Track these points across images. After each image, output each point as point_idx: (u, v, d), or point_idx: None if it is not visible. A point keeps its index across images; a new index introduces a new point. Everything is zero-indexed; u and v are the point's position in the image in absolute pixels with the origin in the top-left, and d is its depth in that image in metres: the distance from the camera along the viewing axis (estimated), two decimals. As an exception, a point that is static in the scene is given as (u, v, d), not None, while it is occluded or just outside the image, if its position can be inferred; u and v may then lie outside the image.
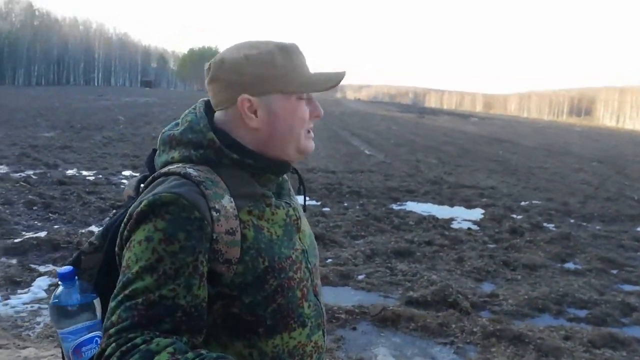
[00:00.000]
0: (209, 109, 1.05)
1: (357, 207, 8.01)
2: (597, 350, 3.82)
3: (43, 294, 4.15)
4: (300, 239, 1.06)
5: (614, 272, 5.80)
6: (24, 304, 3.99)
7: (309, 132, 1.06)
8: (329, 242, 6.02)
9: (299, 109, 1.02)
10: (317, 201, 8.23)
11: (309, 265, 1.07)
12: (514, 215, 8.25)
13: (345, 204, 8.18)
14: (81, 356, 0.94)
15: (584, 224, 8.15)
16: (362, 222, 6.95)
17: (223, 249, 0.91)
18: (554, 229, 7.58)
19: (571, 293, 4.91)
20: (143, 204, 0.88)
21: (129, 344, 0.78)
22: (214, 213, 0.90)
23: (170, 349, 0.78)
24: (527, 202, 9.38)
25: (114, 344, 0.79)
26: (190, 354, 0.79)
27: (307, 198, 1.22)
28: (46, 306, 3.94)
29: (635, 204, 9.91)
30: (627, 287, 5.31)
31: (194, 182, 0.91)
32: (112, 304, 0.84)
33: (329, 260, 5.40)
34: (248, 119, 0.99)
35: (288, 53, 1.01)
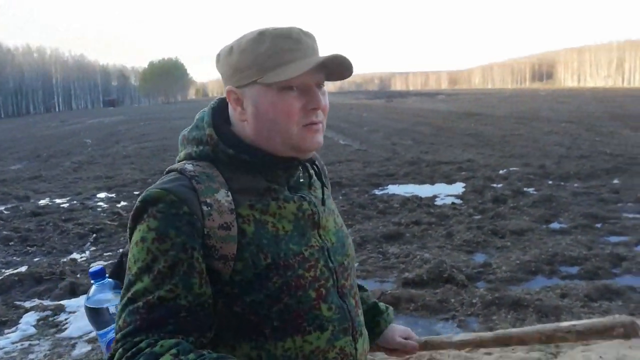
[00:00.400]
0: (226, 105, 1.03)
1: (340, 197, 7.97)
2: (594, 303, 3.89)
3: (32, 330, 4.00)
4: (320, 235, 1.00)
5: (599, 226, 5.91)
6: (12, 343, 3.84)
7: (310, 125, 0.94)
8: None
9: (282, 100, 0.92)
10: (299, 197, 8.18)
11: (331, 264, 0.99)
12: (495, 185, 8.34)
13: (328, 196, 8.14)
14: None
15: (563, 183, 8.29)
16: (348, 211, 6.93)
17: (217, 245, 0.88)
18: (534, 192, 7.69)
19: (561, 252, 4.97)
20: (138, 200, 0.90)
21: (133, 349, 0.79)
22: (204, 207, 0.88)
23: (173, 351, 0.78)
24: (505, 170, 9.49)
25: (120, 349, 0.80)
26: (192, 355, 0.78)
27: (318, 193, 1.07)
28: (37, 342, 3.82)
29: (608, 158, 10.12)
30: (614, 239, 5.42)
31: (186, 176, 0.91)
32: (118, 307, 0.86)
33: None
34: (236, 111, 0.96)
35: (268, 39, 0.91)
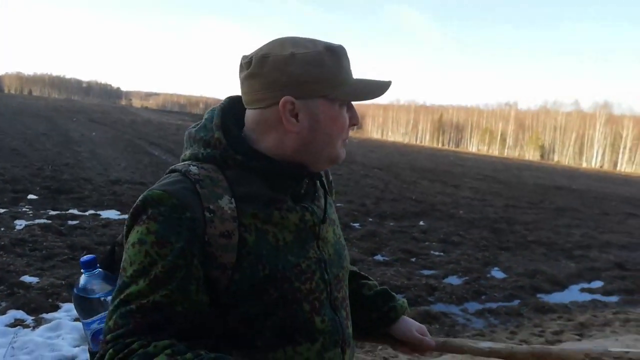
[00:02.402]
0: (233, 106, 0.99)
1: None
2: (419, 326, 4.49)
3: None
4: (318, 246, 0.98)
5: (413, 260, 6.82)
6: None
7: (345, 140, 0.99)
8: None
9: (341, 116, 0.95)
10: (131, 215, 7.64)
11: (327, 277, 0.97)
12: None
13: (164, 216, 7.78)
14: (99, 344, 0.96)
15: (381, 221, 9.35)
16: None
17: (216, 253, 0.86)
18: (360, 227, 8.51)
19: (387, 281, 5.62)
20: (138, 199, 0.86)
21: (125, 350, 0.77)
22: (207, 214, 0.86)
23: (168, 351, 0.76)
24: (333, 206, 10.27)
25: (111, 350, 0.78)
26: (189, 354, 0.77)
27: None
28: None
29: (414, 203, 11.75)
30: (426, 272, 6.33)
31: (190, 180, 0.88)
32: (110, 307, 0.83)
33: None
34: (288, 122, 0.91)
35: (336, 55, 0.93)
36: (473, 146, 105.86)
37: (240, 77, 0.96)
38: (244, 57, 0.95)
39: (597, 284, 6.66)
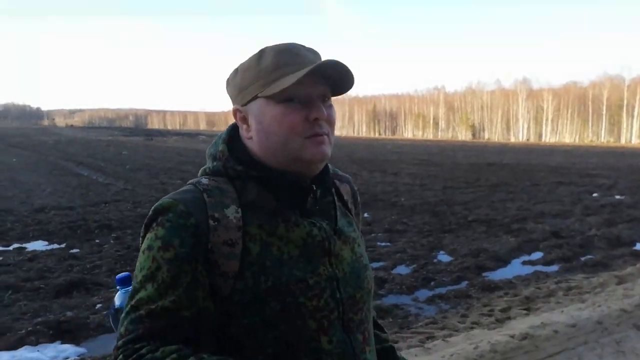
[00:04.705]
0: None
1: (112, 241, 7.26)
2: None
3: None
4: (331, 264, 0.94)
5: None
6: None
7: (312, 137, 0.92)
8: (93, 287, 5.30)
9: (284, 112, 0.91)
10: (60, 244, 7.13)
11: (338, 295, 0.93)
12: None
13: (98, 241, 7.30)
14: None
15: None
16: (125, 256, 6.35)
17: (219, 261, 0.87)
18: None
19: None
20: (151, 209, 0.90)
21: (134, 355, 0.79)
22: (211, 222, 0.87)
23: (174, 355, 0.79)
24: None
25: (121, 356, 0.80)
26: (192, 358, 0.79)
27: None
28: None
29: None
30: (375, 264, 6.28)
31: (199, 189, 0.91)
32: (122, 314, 0.85)
33: (99, 306, 4.77)
34: (242, 129, 0.98)
35: (267, 55, 0.93)
36: (408, 132, 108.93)
37: None
38: None
39: (537, 255, 6.91)
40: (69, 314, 4.53)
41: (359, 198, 1.16)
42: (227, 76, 1.01)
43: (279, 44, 0.94)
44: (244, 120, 0.96)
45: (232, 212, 0.89)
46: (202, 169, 1.01)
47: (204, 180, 0.94)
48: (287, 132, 0.90)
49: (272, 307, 0.87)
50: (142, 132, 78.10)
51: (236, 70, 0.98)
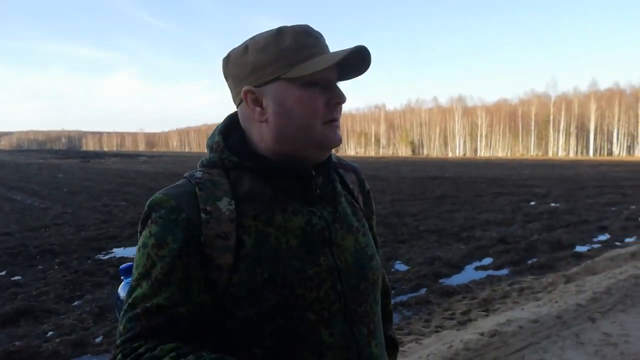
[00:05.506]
0: None
1: (57, 266, 6.86)
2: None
3: None
4: (332, 254, 0.90)
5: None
6: None
7: (330, 122, 0.90)
8: (42, 314, 4.98)
9: (309, 96, 0.88)
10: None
11: (339, 287, 0.89)
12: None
13: (41, 267, 6.87)
14: None
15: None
16: (73, 281, 6.01)
17: (213, 254, 0.85)
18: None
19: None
20: (146, 205, 0.89)
21: (132, 354, 0.78)
22: (203, 215, 0.85)
23: (172, 354, 0.77)
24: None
25: (119, 355, 0.79)
26: (190, 357, 0.77)
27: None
28: None
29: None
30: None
31: (192, 183, 0.89)
32: (121, 311, 0.84)
33: (51, 333, 4.49)
34: (255, 112, 0.91)
35: (287, 35, 0.88)
36: (351, 150, 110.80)
37: None
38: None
39: (488, 260, 7.21)
40: (17, 343, 4.23)
41: (367, 186, 1.11)
42: (228, 53, 0.94)
43: (295, 25, 0.89)
44: (257, 102, 0.90)
45: (225, 205, 0.86)
46: (200, 160, 0.98)
47: (198, 174, 0.91)
48: (311, 115, 0.88)
49: (268, 299, 0.83)
50: (77, 154, 74.60)
51: (245, 47, 0.90)
